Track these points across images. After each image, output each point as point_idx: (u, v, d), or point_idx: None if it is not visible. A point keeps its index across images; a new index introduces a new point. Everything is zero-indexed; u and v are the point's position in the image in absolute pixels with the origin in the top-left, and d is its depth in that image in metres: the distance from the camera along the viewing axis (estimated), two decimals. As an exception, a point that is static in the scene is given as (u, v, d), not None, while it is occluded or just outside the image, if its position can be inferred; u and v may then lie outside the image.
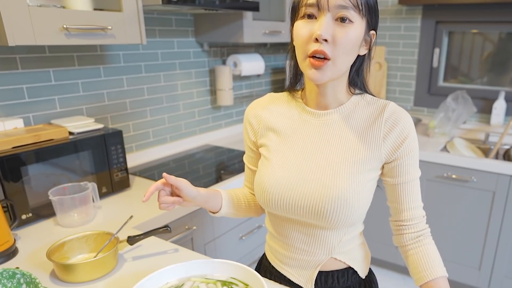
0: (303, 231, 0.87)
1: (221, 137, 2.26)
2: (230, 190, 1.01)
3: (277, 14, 2.10)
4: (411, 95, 2.66)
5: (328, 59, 0.74)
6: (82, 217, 1.22)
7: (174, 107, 1.95)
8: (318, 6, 0.73)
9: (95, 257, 0.93)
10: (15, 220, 1.13)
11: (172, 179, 0.84)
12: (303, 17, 0.76)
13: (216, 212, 0.96)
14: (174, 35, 1.86)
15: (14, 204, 1.13)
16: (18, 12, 1.04)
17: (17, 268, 0.83)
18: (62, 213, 1.19)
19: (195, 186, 0.89)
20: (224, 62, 2.17)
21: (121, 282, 0.92)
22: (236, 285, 0.76)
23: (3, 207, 1.11)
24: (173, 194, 0.88)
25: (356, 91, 0.86)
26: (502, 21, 2.29)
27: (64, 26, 1.13)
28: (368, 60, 0.84)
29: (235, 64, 2.14)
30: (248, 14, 1.82)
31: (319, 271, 0.91)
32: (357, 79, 0.86)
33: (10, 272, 0.81)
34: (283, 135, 0.88)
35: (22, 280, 0.81)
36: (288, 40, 2.10)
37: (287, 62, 0.96)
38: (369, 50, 0.82)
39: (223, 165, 1.80)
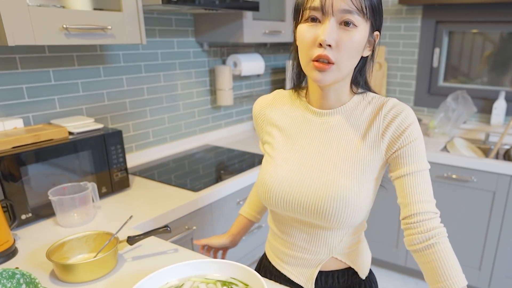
0: (305, 229, 0.87)
1: (221, 137, 2.26)
2: (249, 198, 1.14)
3: (277, 14, 2.10)
4: (411, 95, 2.66)
5: (332, 63, 0.74)
6: (82, 217, 1.22)
7: (174, 107, 1.94)
8: (322, 10, 0.72)
9: (95, 257, 0.93)
10: (14, 220, 1.13)
11: (202, 242, 1.10)
12: (307, 20, 0.75)
13: (256, 222, 1.14)
14: (174, 35, 1.86)
15: (13, 204, 1.13)
16: (18, 12, 1.04)
17: (17, 268, 0.83)
18: (62, 213, 1.19)
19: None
20: (224, 62, 2.16)
21: (121, 282, 0.92)
22: (236, 285, 0.76)
23: (2, 207, 1.11)
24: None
25: (358, 90, 0.86)
26: (502, 21, 2.28)
27: (64, 26, 1.13)
28: (372, 60, 0.84)
29: (235, 64, 2.14)
30: (248, 14, 1.82)
31: (319, 271, 0.91)
32: (360, 78, 0.86)
33: (9, 272, 0.81)
34: (287, 133, 0.88)
35: (21, 280, 0.81)
36: (288, 40, 2.12)
37: (289, 61, 0.96)
38: (373, 51, 0.82)
39: (223, 165, 1.80)
